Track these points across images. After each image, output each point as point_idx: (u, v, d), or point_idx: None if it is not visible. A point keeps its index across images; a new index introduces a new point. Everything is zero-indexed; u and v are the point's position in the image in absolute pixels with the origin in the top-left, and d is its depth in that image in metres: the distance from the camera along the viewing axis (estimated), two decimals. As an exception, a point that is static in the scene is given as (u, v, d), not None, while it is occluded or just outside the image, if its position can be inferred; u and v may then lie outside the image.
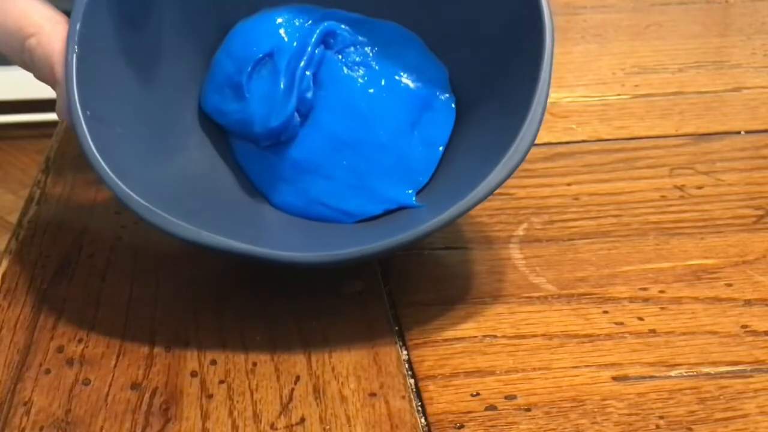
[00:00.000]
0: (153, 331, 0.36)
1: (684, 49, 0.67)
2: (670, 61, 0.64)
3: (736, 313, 0.37)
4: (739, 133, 0.53)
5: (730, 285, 0.39)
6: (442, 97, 0.41)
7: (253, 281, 0.39)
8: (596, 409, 0.32)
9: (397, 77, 0.40)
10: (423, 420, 0.31)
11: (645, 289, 0.38)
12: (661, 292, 0.38)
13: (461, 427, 0.31)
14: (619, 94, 0.56)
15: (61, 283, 0.39)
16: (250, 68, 0.40)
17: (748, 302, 0.37)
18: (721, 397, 0.32)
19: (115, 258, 0.40)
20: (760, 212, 0.44)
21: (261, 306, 0.37)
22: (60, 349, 0.35)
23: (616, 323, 0.36)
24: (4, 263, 0.40)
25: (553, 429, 0.31)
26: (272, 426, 0.31)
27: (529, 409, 0.32)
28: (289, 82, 0.39)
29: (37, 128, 1.92)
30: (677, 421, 0.31)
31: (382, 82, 0.40)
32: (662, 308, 0.37)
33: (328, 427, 0.31)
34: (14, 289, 0.38)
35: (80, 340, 0.35)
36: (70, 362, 0.34)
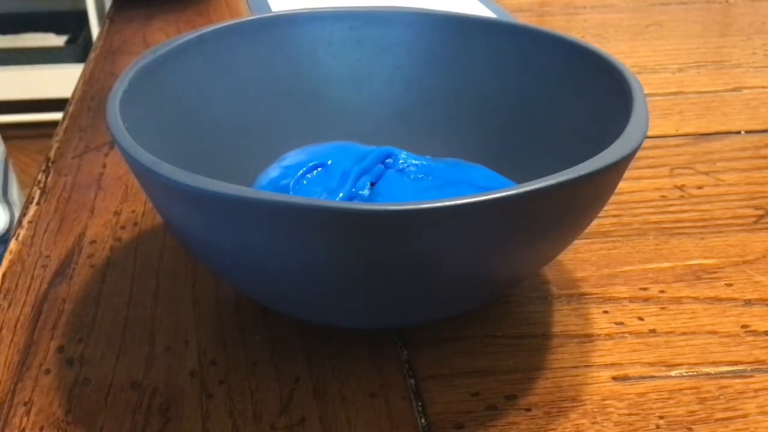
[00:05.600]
0: (153, 331, 0.36)
1: (684, 49, 0.67)
2: (670, 61, 0.65)
3: (736, 313, 0.37)
4: (739, 133, 0.53)
5: (730, 285, 0.39)
6: None
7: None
8: (596, 409, 0.32)
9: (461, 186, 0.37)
10: (423, 420, 0.31)
11: (645, 289, 0.38)
12: (661, 292, 0.38)
13: (461, 427, 0.31)
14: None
15: (61, 283, 0.39)
16: (300, 173, 0.37)
17: (748, 302, 0.37)
18: (721, 397, 0.32)
19: (115, 258, 0.40)
20: (760, 212, 0.44)
21: (261, 306, 0.37)
22: (60, 349, 0.35)
23: (616, 323, 0.36)
24: (4, 263, 0.40)
25: (553, 429, 0.31)
26: (272, 426, 0.31)
27: (529, 409, 0.32)
28: (342, 182, 0.37)
29: (37, 128, 1.92)
30: (677, 421, 0.31)
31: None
32: (662, 308, 0.37)
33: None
34: (14, 289, 0.38)
35: (80, 340, 0.35)
36: (70, 362, 0.34)
